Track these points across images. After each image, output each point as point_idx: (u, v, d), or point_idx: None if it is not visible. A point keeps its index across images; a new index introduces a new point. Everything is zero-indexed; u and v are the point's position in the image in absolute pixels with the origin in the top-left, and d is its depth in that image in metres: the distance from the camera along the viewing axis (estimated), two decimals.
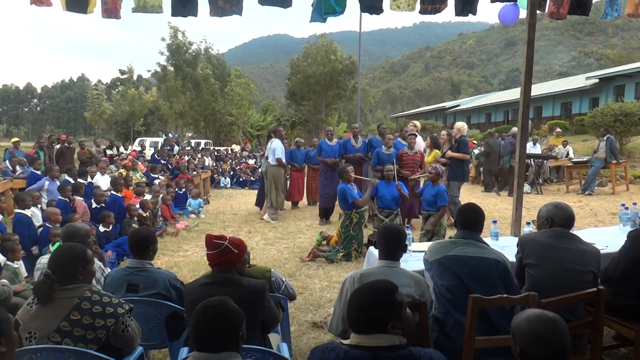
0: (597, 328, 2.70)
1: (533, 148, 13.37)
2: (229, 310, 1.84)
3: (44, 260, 3.84)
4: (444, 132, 9.00)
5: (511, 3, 5.29)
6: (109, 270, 3.82)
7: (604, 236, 4.25)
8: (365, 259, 4.29)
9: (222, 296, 1.93)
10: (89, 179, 9.11)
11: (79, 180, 8.45)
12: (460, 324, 2.61)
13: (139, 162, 12.30)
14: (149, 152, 19.64)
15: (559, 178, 14.44)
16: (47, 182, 8.03)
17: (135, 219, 7.57)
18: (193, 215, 9.92)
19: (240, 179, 16.81)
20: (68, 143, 13.09)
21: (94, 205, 7.44)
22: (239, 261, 2.62)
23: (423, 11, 4.93)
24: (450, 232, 6.21)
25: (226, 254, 2.54)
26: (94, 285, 2.55)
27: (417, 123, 9.66)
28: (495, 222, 4.30)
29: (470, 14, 5.03)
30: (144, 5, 4.57)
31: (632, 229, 3.84)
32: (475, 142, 18.94)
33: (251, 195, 13.29)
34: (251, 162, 19.95)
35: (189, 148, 20.35)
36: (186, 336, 2.88)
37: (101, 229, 6.67)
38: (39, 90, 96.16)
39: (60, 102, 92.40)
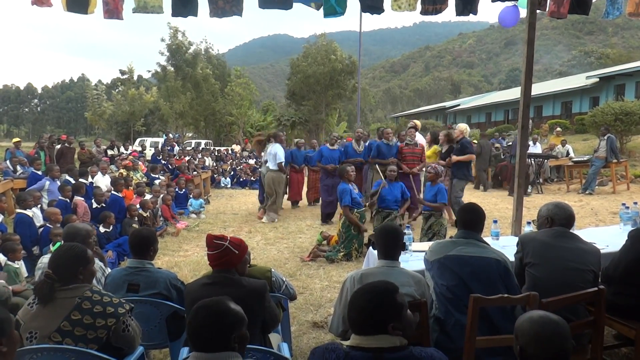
0: (597, 327, 2.70)
1: (533, 147, 13.36)
2: (221, 311, 1.83)
3: (44, 260, 3.84)
4: (442, 133, 9.03)
5: (511, 4, 5.29)
6: (109, 270, 3.82)
7: (605, 235, 4.24)
8: (365, 259, 4.29)
9: (220, 297, 1.92)
10: (90, 179, 9.11)
11: (80, 180, 8.45)
12: (461, 324, 2.61)
13: (140, 162, 12.31)
14: (149, 152, 19.65)
15: (559, 177, 14.44)
16: (47, 182, 8.03)
17: (136, 219, 7.57)
18: (194, 215, 9.93)
19: (241, 179, 16.82)
20: (68, 143, 13.10)
21: (94, 205, 7.43)
22: (239, 261, 2.62)
23: (424, 12, 4.94)
24: (451, 232, 6.21)
25: (227, 255, 2.55)
26: (95, 285, 2.56)
27: (417, 122, 9.68)
28: (495, 221, 4.30)
29: (471, 14, 5.04)
30: (145, 6, 4.57)
31: (632, 228, 3.84)
32: (475, 141, 18.91)
33: (251, 195, 13.30)
34: (251, 162, 19.95)
35: (189, 148, 20.36)
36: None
37: (102, 229, 6.67)
38: (39, 91, 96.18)
39: (61, 102, 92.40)
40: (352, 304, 1.87)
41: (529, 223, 4.36)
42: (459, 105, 46.61)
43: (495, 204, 11.03)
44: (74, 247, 2.55)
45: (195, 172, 13.02)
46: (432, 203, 6.42)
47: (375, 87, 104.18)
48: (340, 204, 6.68)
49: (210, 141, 30.99)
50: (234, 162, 19.66)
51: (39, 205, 6.87)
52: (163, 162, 13.35)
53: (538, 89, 32.00)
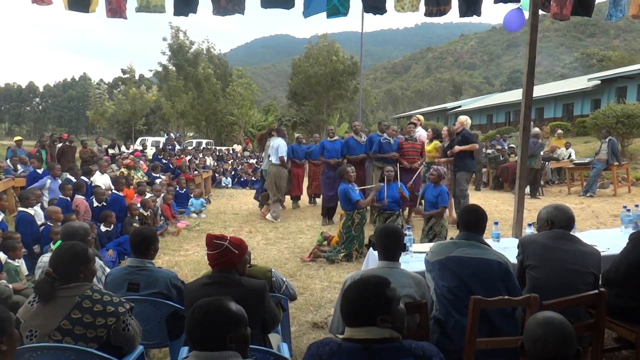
0: (598, 330, 2.69)
1: None
2: (217, 311, 1.82)
3: (45, 258, 3.84)
4: (445, 128, 9.06)
5: (516, 7, 5.28)
6: (108, 269, 3.82)
7: (606, 238, 4.24)
8: (364, 260, 4.29)
9: (218, 296, 1.92)
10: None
11: (82, 178, 8.46)
12: (461, 325, 2.60)
13: (141, 162, 12.31)
14: (150, 151, 19.66)
15: (560, 180, 14.43)
16: (48, 181, 8.03)
17: (137, 218, 7.58)
18: (194, 215, 9.93)
19: (242, 179, 16.83)
20: (69, 142, 13.12)
21: (95, 204, 7.44)
22: (239, 261, 2.62)
23: (428, 13, 4.96)
24: (452, 233, 6.21)
25: (226, 255, 2.54)
26: (95, 284, 2.56)
27: (421, 117, 9.73)
28: (496, 223, 4.30)
29: (474, 15, 5.04)
30: (147, 5, 4.58)
31: (633, 231, 3.84)
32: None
33: (252, 195, 13.28)
34: (252, 161, 19.96)
35: (190, 148, 20.36)
36: None
37: (102, 228, 6.67)
38: (41, 89, 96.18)
39: (62, 101, 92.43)
40: (344, 296, 1.92)
41: (529, 225, 4.35)
42: (460, 106, 46.60)
43: (496, 205, 11.03)
44: (74, 246, 2.55)
45: (196, 172, 13.03)
46: (432, 210, 6.40)
47: (377, 88, 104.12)
48: (345, 205, 6.65)
49: (212, 141, 30.99)
50: (235, 162, 19.67)
51: (39, 204, 6.87)
52: (164, 161, 13.35)
53: (539, 91, 31.97)
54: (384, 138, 8.59)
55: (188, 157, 15.23)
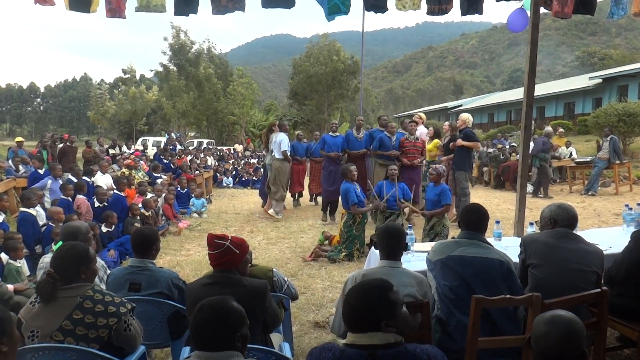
0: (600, 329, 2.69)
1: None
2: (226, 309, 1.83)
3: (46, 259, 3.84)
4: (446, 123, 9.06)
5: (519, 6, 5.27)
6: (109, 270, 3.82)
7: (608, 237, 4.23)
8: (366, 259, 4.28)
9: (222, 296, 1.92)
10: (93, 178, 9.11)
11: (84, 178, 8.47)
12: (463, 325, 2.60)
13: (142, 162, 12.31)
14: (151, 151, 19.66)
15: (562, 178, 14.40)
16: (49, 181, 8.03)
17: (138, 218, 7.58)
18: (196, 215, 9.93)
19: (243, 179, 16.83)
20: (70, 142, 13.12)
21: (96, 204, 7.45)
22: (240, 261, 2.61)
23: (430, 12, 4.95)
24: (454, 232, 6.20)
25: (228, 254, 2.54)
26: (97, 284, 2.55)
27: (422, 115, 9.73)
28: (498, 222, 4.29)
29: (476, 13, 5.04)
30: (147, 5, 4.57)
31: (635, 229, 3.83)
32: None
33: (254, 194, 13.29)
34: (253, 161, 19.96)
35: (191, 147, 20.37)
36: (188, 335, 2.88)
37: (104, 229, 6.68)
38: (42, 90, 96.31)
39: (63, 101, 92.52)
40: (346, 302, 1.88)
41: (531, 224, 4.34)
42: (461, 105, 46.57)
43: (497, 204, 11.01)
44: (76, 246, 2.55)
45: (197, 172, 13.03)
46: (435, 209, 6.39)
47: (378, 88, 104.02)
48: (346, 204, 6.65)
49: (213, 141, 30.99)
50: (236, 162, 19.68)
51: (41, 204, 6.88)
52: (165, 161, 13.35)
53: (541, 89, 31.95)
54: (386, 136, 8.58)
55: (189, 157, 15.23)
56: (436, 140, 9.11)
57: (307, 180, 11.58)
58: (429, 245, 3.52)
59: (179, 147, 18.14)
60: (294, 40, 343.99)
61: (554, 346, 1.69)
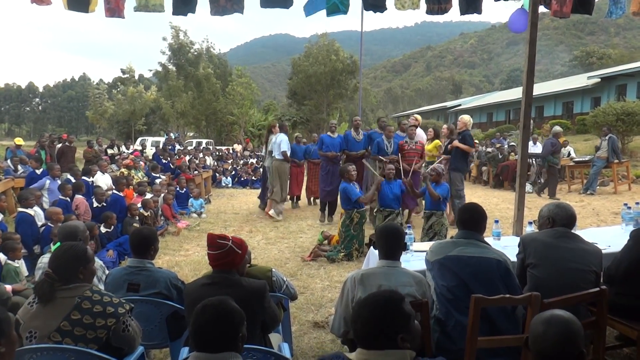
0: (599, 328, 2.68)
1: (534, 147, 13.34)
2: (228, 310, 1.83)
3: (45, 259, 3.83)
4: (445, 126, 9.04)
5: (519, 7, 5.27)
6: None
7: (607, 236, 4.23)
8: (365, 259, 4.28)
9: (222, 296, 1.92)
10: (92, 178, 9.10)
11: (83, 178, 8.46)
12: (462, 325, 2.60)
13: (141, 162, 12.30)
14: (150, 151, 19.64)
15: (560, 177, 14.41)
16: (48, 181, 8.03)
17: (137, 218, 7.57)
18: (195, 215, 9.93)
19: (242, 179, 16.81)
20: (69, 142, 13.11)
21: (95, 204, 7.44)
22: (241, 262, 2.61)
23: (430, 11, 4.95)
24: (452, 232, 6.20)
25: (230, 255, 2.53)
26: (95, 284, 2.55)
27: (418, 117, 9.71)
28: (497, 221, 4.29)
29: (475, 13, 5.04)
30: (146, 4, 4.57)
31: (634, 228, 3.82)
32: (476, 141, 18.92)
33: (252, 194, 13.29)
34: (252, 161, 19.95)
35: (190, 147, 20.35)
36: (187, 336, 2.87)
37: (102, 229, 6.67)
38: (40, 90, 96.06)
39: (62, 101, 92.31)
40: (357, 315, 1.79)
41: (530, 223, 4.34)
42: (460, 105, 46.61)
43: (496, 204, 11.02)
44: (74, 246, 2.54)
45: (196, 172, 13.02)
46: (432, 208, 6.37)
47: (377, 87, 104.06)
48: (345, 204, 6.64)
49: (212, 140, 30.95)
50: (235, 162, 19.66)
51: (39, 205, 6.86)
52: (164, 161, 13.34)
53: (539, 89, 31.97)
54: (383, 141, 8.53)
55: (188, 157, 15.22)
56: (436, 141, 9.11)
57: (304, 183, 11.55)
58: (427, 245, 3.51)
59: (177, 147, 18.13)
60: (293, 40, 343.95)
61: (551, 346, 1.69)
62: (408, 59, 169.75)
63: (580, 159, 13.05)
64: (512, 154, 14.11)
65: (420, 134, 9.08)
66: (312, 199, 11.37)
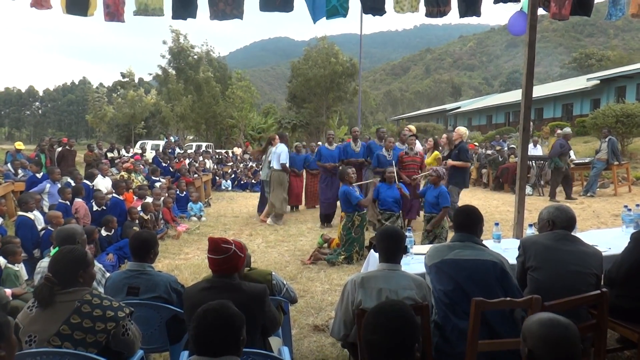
0: (600, 331, 2.68)
1: (534, 149, 13.35)
2: (230, 314, 1.83)
3: (43, 264, 3.82)
4: (444, 136, 9.03)
5: (518, 9, 5.28)
6: (108, 273, 3.81)
7: (607, 238, 4.23)
8: (365, 262, 4.27)
9: (222, 300, 1.92)
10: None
11: (84, 181, 8.46)
12: (459, 329, 2.59)
13: (141, 165, 12.29)
14: (149, 155, 19.63)
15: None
16: (48, 185, 8.03)
17: (137, 221, 7.56)
18: (194, 218, 9.92)
19: (242, 182, 16.81)
20: (69, 146, 13.10)
21: (95, 208, 7.43)
22: (243, 266, 2.61)
23: (429, 14, 4.96)
24: (452, 235, 6.19)
25: (233, 259, 2.52)
26: (95, 288, 2.54)
27: (412, 127, 9.69)
28: (497, 224, 4.29)
29: (474, 15, 5.04)
30: (145, 8, 4.58)
31: (635, 230, 3.83)
32: (476, 144, 18.94)
33: (252, 198, 13.29)
34: (252, 164, 19.94)
35: (190, 151, 20.35)
36: (187, 340, 2.87)
37: (103, 233, 6.67)
38: (40, 93, 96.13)
39: (62, 105, 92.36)
40: (373, 326, 1.75)
41: (530, 226, 4.34)
42: (459, 107, 46.65)
43: (496, 206, 11.01)
44: (74, 250, 2.54)
45: (196, 175, 13.01)
46: (432, 211, 6.38)
47: (376, 90, 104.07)
48: (345, 207, 6.63)
49: (211, 144, 30.96)
50: (235, 165, 19.66)
51: (39, 208, 6.86)
52: (164, 164, 13.34)
53: (539, 91, 32.03)
54: (384, 152, 8.50)
55: (188, 161, 15.21)
56: (436, 153, 9.07)
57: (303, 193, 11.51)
58: (427, 248, 3.51)
59: (177, 150, 18.12)
60: (293, 43, 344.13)
61: (556, 350, 1.69)
62: (407, 62, 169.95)
63: (580, 161, 13.06)
64: (512, 156, 14.12)
65: (417, 145, 9.07)
66: (310, 207, 11.31)
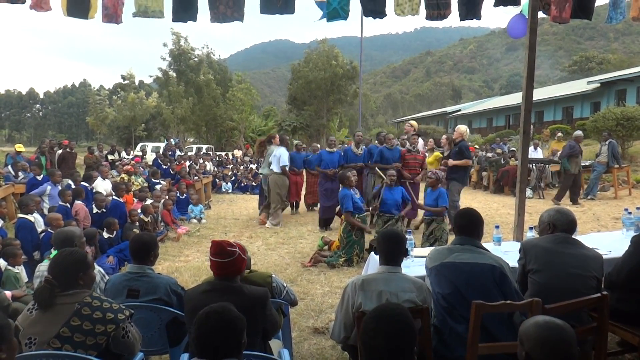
0: (601, 334, 2.68)
1: (534, 152, 13.35)
2: (232, 317, 1.83)
3: (42, 267, 3.81)
4: (444, 137, 9.04)
5: (518, 12, 5.28)
6: (108, 276, 3.80)
7: (607, 241, 4.22)
8: (365, 264, 4.27)
9: (223, 303, 1.92)
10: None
11: (83, 183, 8.45)
12: (456, 332, 2.59)
13: (141, 167, 12.29)
14: (150, 157, 19.64)
15: (560, 183, 14.40)
16: (49, 187, 8.02)
17: (137, 223, 7.56)
18: (195, 221, 9.91)
19: (242, 184, 16.81)
20: (70, 148, 13.10)
21: (95, 210, 7.43)
22: (244, 268, 2.61)
23: (429, 17, 4.96)
24: (453, 237, 6.20)
25: (237, 263, 2.52)
26: (95, 290, 2.54)
27: (414, 123, 9.70)
28: (497, 227, 4.28)
29: (474, 18, 5.05)
30: (145, 10, 4.58)
31: (635, 233, 3.82)
32: (476, 146, 18.94)
33: (252, 200, 13.28)
34: (252, 167, 19.95)
35: (190, 153, 20.36)
36: (187, 342, 2.86)
37: (105, 235, 6.68)
38: (41, 96, 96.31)
39: (62, 107, 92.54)
40: (374, 331, 1.75)
41: (531, 229, 4.34)
42: (460, 110, 46.67)
43: (496, 209, 11.00)
44: (74, 252, 2.54)
45: (196, 177, 13.01)
46: (431, 214, 6.40)
47: (377, 93, 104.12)
48: (342, 209, 6.65)
49: (212, 146, 30.97)
50: (235, 167, 19.67)
51: (39, 210, 6.86)
52: (164, 167, 13.34)
53: (539, 94, 32.02)
54: (386, 147, 8.53)
55: (188, 163, 15.22)
56: (437, 153, 9.08)
57: (303, 191, 11.51)
58: (428, 251, 3.51)
59: (178, 152, 18.13)
60: (293, 45, 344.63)
61: (552, 353, 1.69)
62: (408, 65, 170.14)
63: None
64: (512, 159, 14.12)
65: (420, 142, 9.11)
66: (310, 205, 11.31)
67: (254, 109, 38.44)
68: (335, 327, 2.88)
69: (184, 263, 6.71)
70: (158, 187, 10.41)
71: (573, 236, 3.12)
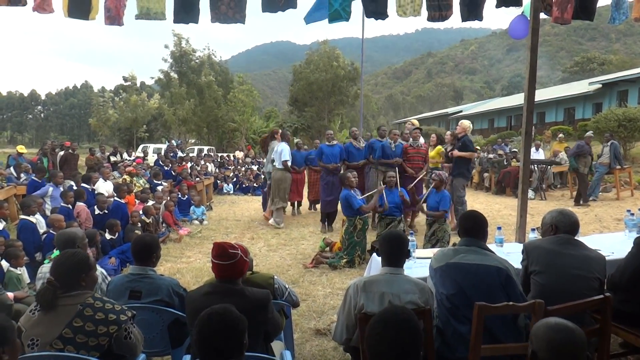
0: (603, 335, 2.67)
1: (535, 153, 13.33)
2: (234, 318, 1.83)
3: (45, 269, 3.82)
4: (448, 132, 9.05)
5: (519, 13, 5.28)
6: (110, 278, 3.81)
7: (610, 242, 4.21)
8: (367, 266, 4.26)
9: (225, 304, 1.91)
10: (93, 185, 9.10)
11: (83, 185, 8.46)
12: (459, 334, 2.58)
13: (143, 169, 12.30)
14: (152, 158, 19.65)
15: (562, 183, 14.40)
16: (51, 189, 8.04)
17: (139, 225, 7.57)
18: (196, 222, 9.92)
19: (243, 185, 16.82)
20: (72, 149, 13.11)
21: (96, 211, 7.44)
22: (246, 270, 2.61)
23: (431, 18, 4.97)
24: (455, 239, 6.19)
25: (240, 265, 2.52)
26: (97, 292, 2.54)
27: (415, 121, 9.71)
28: (499, 228, 4.28)
29: (476, 20, 5.05)
30: (147, 12, 4.59)
31: (638, 235, 3.82)
32: (478, 147, 18.91)
33: (254, 201, 13.29)
34: (254, 168, 19.96)
35: (192, 154, 20.37)
36: (188, 343, 2.86)
37: (107, 236, 6.69)
38: (43, 97, 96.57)
39: (64, 108, 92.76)
40: (380, 337, 1.72)
41: (533, 230, 4.32)
42: (461, 111, 46.62)
43: (498, 210, 10.99)
44: (76, 253, 2.54)
45: (197, 179, 13.02)
46: (433, 212, 6.39)
47: (378, 94, 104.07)
48: (346, 211, 6.62)
49: (213, 147, 30.99)
50: (237, 169, 19.68)
51: (41, 212, 6.87)
52: (166, 168, 13.35)
53: (541, 95, 31.98)
54: (387, 141, 8.54)
55: (189, 164, 15.23)
56: (439, 147, 9.09)
57: (305, 189, 11.52)
58: (430, 252, 3.50)
59: (179, 154, 18.15)
60: (294, 47, 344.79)
61: (560, 354, 1.69)
62: (409, 66, 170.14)
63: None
64: (514, 160, 14.11)
65: (421, 139, 9.12)
66: (312, 203, 11.31)
67: (255, 111, 38.46)
68: (337, 328, 2.88)
69: (186, 264, 6.72)
70: (160, 188, 10.41)
71: (575, 237, 3.12)
